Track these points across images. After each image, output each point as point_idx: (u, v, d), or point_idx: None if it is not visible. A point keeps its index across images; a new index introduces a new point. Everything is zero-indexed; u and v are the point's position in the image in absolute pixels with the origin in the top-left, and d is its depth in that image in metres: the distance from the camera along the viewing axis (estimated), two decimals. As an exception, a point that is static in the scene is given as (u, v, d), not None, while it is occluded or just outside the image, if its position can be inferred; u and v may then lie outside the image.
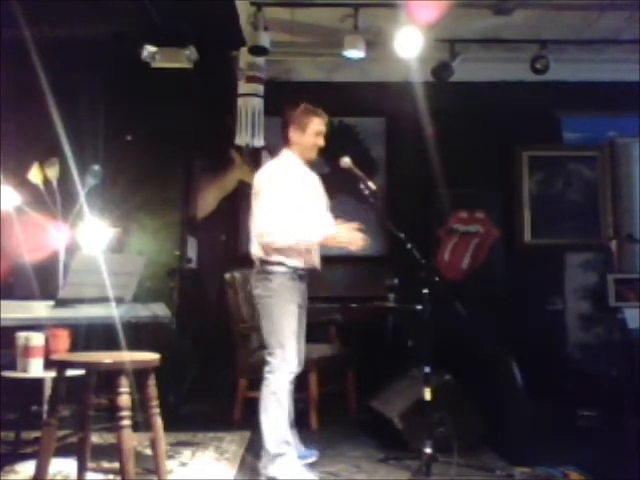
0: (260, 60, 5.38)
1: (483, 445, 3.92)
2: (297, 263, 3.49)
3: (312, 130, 3.59)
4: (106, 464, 3.38)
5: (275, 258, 3.48)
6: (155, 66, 5.32)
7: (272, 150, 4.26)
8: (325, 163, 4.41)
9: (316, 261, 3.61)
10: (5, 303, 3.50)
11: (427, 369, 3.46)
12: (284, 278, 3.48)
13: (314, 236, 3.47)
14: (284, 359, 3.41)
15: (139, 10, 4.73)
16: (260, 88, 5.47)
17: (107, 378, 2.81)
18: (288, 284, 3.47)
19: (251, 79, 5.44)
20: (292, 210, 3.44)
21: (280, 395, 3.38)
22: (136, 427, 2.83)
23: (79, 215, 4.26)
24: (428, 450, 3.37)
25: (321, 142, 3.63)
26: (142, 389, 2.90)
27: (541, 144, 6.15)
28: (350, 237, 3.47)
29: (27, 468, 3.33)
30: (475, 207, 6.10)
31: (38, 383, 3.65)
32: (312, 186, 3.65)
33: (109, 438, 3.75)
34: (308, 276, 3.60)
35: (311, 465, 3.62)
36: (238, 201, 5.84)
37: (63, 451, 3.00)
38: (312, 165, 3.75)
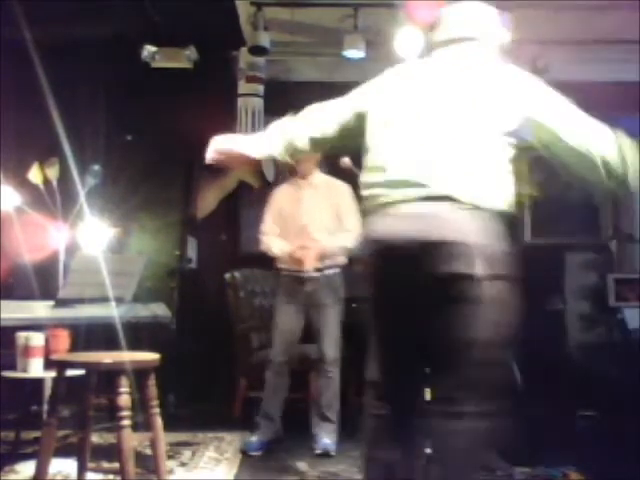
0: (260, 60, 5.38)
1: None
2: (285, 267, 3.94)
3: None
4: (106, 464, 3.39)
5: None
6: (155, 66, 5.31)
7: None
8: (325, 163, 4.41)
9: (301, 267, 3.85)
10: (5, 303, 3.49)
11: (427, 369, 3.45)
12: (280, 279, 4.01)
13: (271, 247, 3.94)
14: (271, 352, 3.94)
15: (139, 10, 4.73)
16: (260, 88, 5.47)
17: (107, 378, 2.81)
18: (282, 286, 4.00)
19: (251, 79, 5.44)
20: (268, 223, 4.01)
21: (266, 380, 3.91)
22: (136, 427, 2.83)
23: (79, 215, 4.25)
24: (428, 450, 3.37)
25: None
26: (142, 389, 2.90)
27: (541, 144, 6.14)
28: (301, 255, 3.80)
29: (27, 468, 3.32)
30: (475, 207, 6.08)
31: (38, 383, 3.65)
32: (295, 200, 3.98)
33: (109, 438, 3.74)
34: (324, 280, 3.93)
35: (311, 465, 3.63)
36: (238, 201, 5.83)
37: (63, 451, 3.01)
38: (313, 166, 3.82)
